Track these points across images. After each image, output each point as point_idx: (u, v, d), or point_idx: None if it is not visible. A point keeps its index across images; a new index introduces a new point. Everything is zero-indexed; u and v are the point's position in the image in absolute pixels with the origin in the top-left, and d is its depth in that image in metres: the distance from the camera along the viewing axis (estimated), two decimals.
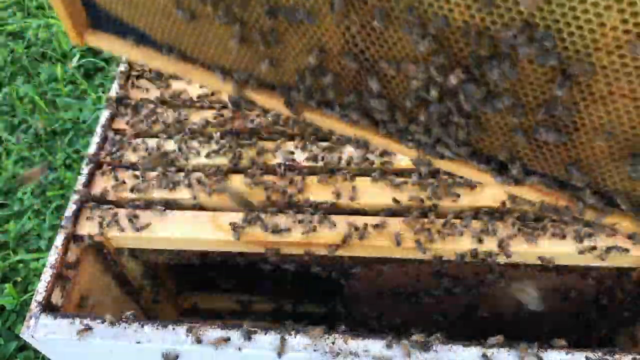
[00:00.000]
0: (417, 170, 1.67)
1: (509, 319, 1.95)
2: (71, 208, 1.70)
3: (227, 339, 1.37)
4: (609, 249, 1.50)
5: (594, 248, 1.51)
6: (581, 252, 1.51)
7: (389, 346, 1.34)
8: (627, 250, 1.50)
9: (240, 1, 0.96)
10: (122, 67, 2.04)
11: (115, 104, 1.94)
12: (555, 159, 0.99)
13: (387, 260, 1.65)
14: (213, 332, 1.41)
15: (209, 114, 1.89)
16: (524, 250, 1.54)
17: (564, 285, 1.72)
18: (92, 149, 1.84)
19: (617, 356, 1.30)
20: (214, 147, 1.80)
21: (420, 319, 1.98)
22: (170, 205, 1.71)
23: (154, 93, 1.97)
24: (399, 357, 1.33)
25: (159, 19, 1.05)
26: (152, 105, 1.93)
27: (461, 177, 1.63)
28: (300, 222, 1.62)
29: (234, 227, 1.60)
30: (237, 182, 1.72)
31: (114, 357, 1.54)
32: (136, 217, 1.67)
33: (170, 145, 1.82)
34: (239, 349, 1.39)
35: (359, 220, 1.61)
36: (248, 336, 1.39)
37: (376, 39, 0.93)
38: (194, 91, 1.95)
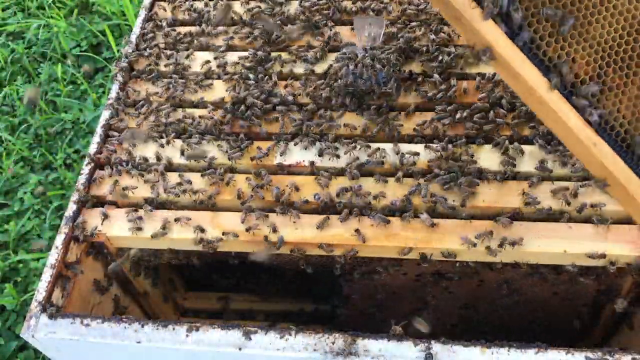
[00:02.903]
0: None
1: (507, 320, 1.96)
2: (71, 208, 1.70)
3: None
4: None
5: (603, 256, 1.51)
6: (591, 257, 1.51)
7: (389, 343, 1.34)
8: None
9: None
10: (124, 64, 2.04)
11: (115, 104, 1.94)
12: None
13: (385, 260, 1.65)
14: (213, 332, 1.41)
15: (208, 114, 1.89)
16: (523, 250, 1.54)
17: (562, 285, 1.73)
18: (92, 148, 1.84)
19: (617, 356, 1.30)
20: (214, 147, 1.80)
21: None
22: (170, 205, 1.71)
23: (153, 92, 1.98)
24: (400, 357, 1.34)
25: None
26: (151, 105, 1.93)
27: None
28: (295, 222, 1.63)
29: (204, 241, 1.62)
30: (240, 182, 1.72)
31: (114, 357, 1.54)
32: (136, 217, 1.67)
33: (170, 145, 1.83)
34: (239, 348, 1.39)
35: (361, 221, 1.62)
36: (248, 336, 1.40)
37: None
38: (192, 93, 1.96)
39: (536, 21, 1.06)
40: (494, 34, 1.05)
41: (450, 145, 1.70)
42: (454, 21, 1.07)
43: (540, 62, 1.08)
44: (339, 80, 1.84)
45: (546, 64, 1.08)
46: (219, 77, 1.99)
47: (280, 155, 1.76)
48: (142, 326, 1.44)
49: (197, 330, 1.42)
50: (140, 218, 1.67)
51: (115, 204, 1.74)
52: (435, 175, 1.65)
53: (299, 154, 1.76)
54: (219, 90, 1.96)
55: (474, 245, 1.53)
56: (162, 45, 2.10)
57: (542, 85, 1.08)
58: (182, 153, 1.79)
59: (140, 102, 1.94)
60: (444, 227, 1.58)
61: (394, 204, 1.61)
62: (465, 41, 1.96)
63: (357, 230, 1.57)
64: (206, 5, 2.21)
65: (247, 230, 1.61)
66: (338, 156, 1.72)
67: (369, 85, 1.82)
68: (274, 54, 2.02)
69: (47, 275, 1.56)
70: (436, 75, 1.87)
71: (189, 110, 1.91)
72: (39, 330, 1.47)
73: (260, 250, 1.60)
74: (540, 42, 1.07)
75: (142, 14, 2.22)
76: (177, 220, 1.65)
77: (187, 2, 2.23)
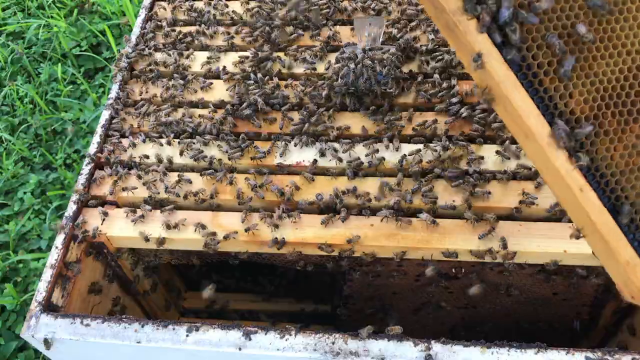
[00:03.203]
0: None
1: (506, 319, 1.96)
2: (71, 208, 1.70)
3: None
4: None
5: None
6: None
7: (389, 343, 1.34)
8: None
9: None
10: (124, 64, 2.04)
11: (115, 103, 1.94)
12: None
13: (385, 260, 1.65)
14: (213, 332, 1.41)
15: (208, 114, 1.89)
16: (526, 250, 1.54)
17: (562, 285, 1.72)
18: (92, 148, 1.84)
19: (617, 356, 1.30)
20: (214, 147, 1.80)
21: (420, 320, 1.99)
22: (170, 205, 1.71)
23: (153, 92, 1.98)
24: (400, 357, 1.34)
25: None
26: (151, 105, 1.93)
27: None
28: (295, 222, 1.62)
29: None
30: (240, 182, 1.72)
31: (114, 357, 1.54)
32: (136, 217, 1.67)
33: (171, 145, 1.83)
34: (239, 348, 1.39)
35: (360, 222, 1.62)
36: (248, 336, 1.39)
37: None
38: (192, 93, 1.96)
39: (536, 46, 0.96)
40: (486, 48, 0.96)
41: (450, 145, 1.70)
42: (446, 31, 0.98)
43: (535, 91, 0.98)
44: (339, 80, 1.84)
45: (540, 95, 0.98)
46: (219, 77, 1.99)
47: (280, 156, 1.76)
48: (142, 326, 1.44)
49: (197, 330, 1.42)
50: (142, 216, 1.67)
51: (115, 204, 1.74)
52: (436, 175, 1.65)
53: (298, 154, 1.76)
54: (219, 90, 1.96)
55: (481, 258, 1.53)
56: (162, 46, 2.10)
57: (532, 116, 0.98)
58: (182, 153, 1.79)
59: (140, 102, 1.95)
60: (443, 227, 1.58)
61: (395, 204, 1.61)
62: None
63: (349, 241, 1.57)
64: (207, 5, 2.21)
65: (247, 230, 1.61)
66: (340, 159, 1.71)
67: (369, 85, 1.82)
68: (274, 54, 2.02)
69: (47, 275, 1.56)
70: (436, 75, 1.87)
71: (189, 110, 1.91)
72: (39, 330, 1.47)
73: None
74: (537, 70, 0.97)
75: (142, 14, 2.22)
76: (175, 225, 1.65)
77: (187, 2, 2.23)
